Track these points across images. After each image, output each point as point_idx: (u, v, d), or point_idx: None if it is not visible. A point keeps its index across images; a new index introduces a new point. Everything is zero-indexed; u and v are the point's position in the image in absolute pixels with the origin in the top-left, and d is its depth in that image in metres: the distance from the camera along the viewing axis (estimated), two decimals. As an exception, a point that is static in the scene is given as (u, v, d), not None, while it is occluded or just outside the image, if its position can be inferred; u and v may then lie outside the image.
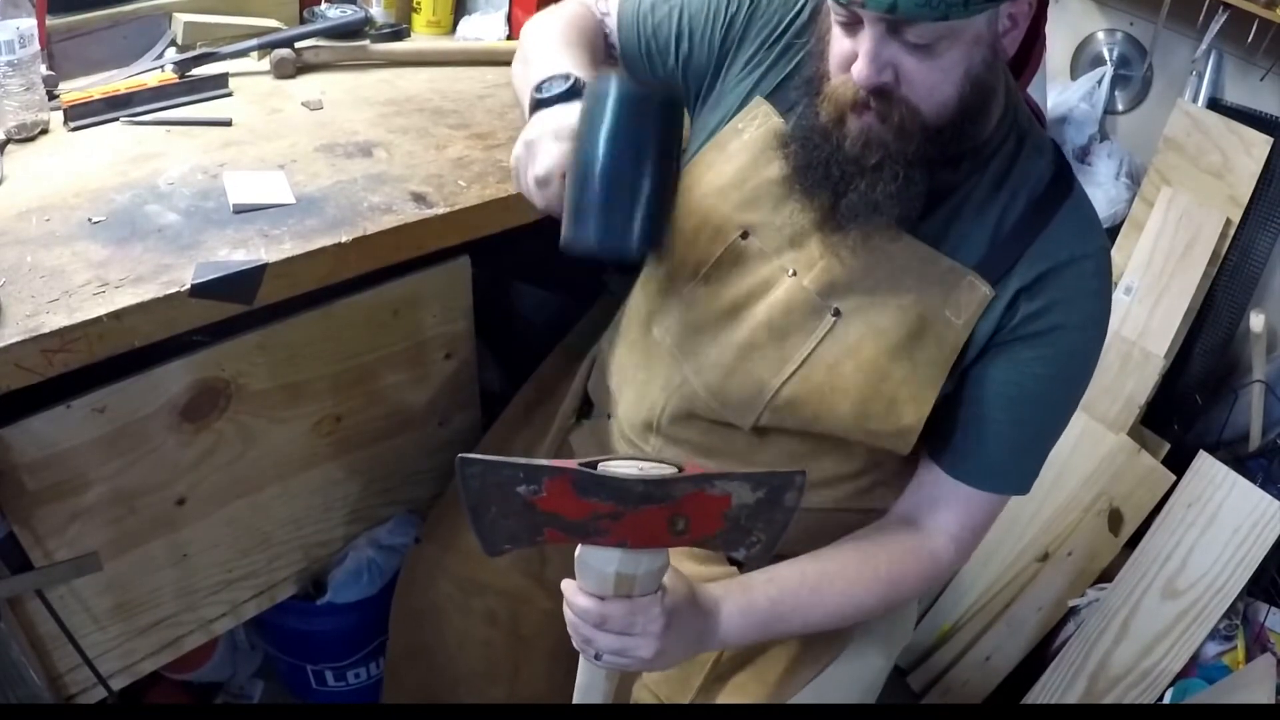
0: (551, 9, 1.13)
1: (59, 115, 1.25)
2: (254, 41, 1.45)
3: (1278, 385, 1.84)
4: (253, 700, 1.78)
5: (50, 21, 1.33)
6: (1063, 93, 2.07)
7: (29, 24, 1.19)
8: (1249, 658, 1.67)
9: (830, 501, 1.06)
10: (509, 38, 1.70)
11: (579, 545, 0.81)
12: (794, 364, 0.97)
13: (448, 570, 1.29)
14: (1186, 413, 1.94)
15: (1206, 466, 1.74)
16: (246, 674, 1.78)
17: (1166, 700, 1.68)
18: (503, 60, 1.59)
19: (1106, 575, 1.84)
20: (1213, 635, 1.69)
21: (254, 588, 1.35)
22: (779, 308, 0.97)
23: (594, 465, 0.77)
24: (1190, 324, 1.89)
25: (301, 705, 1.73)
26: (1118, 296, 1.85)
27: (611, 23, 1.12)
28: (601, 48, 1.11)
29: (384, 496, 1.45)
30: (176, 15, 1.45)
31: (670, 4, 1.07)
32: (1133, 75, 2.03)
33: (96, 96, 1.27)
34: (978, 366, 0.96)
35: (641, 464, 0.78)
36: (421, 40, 1.70)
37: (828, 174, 0.90)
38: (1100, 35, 2.07)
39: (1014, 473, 1.00)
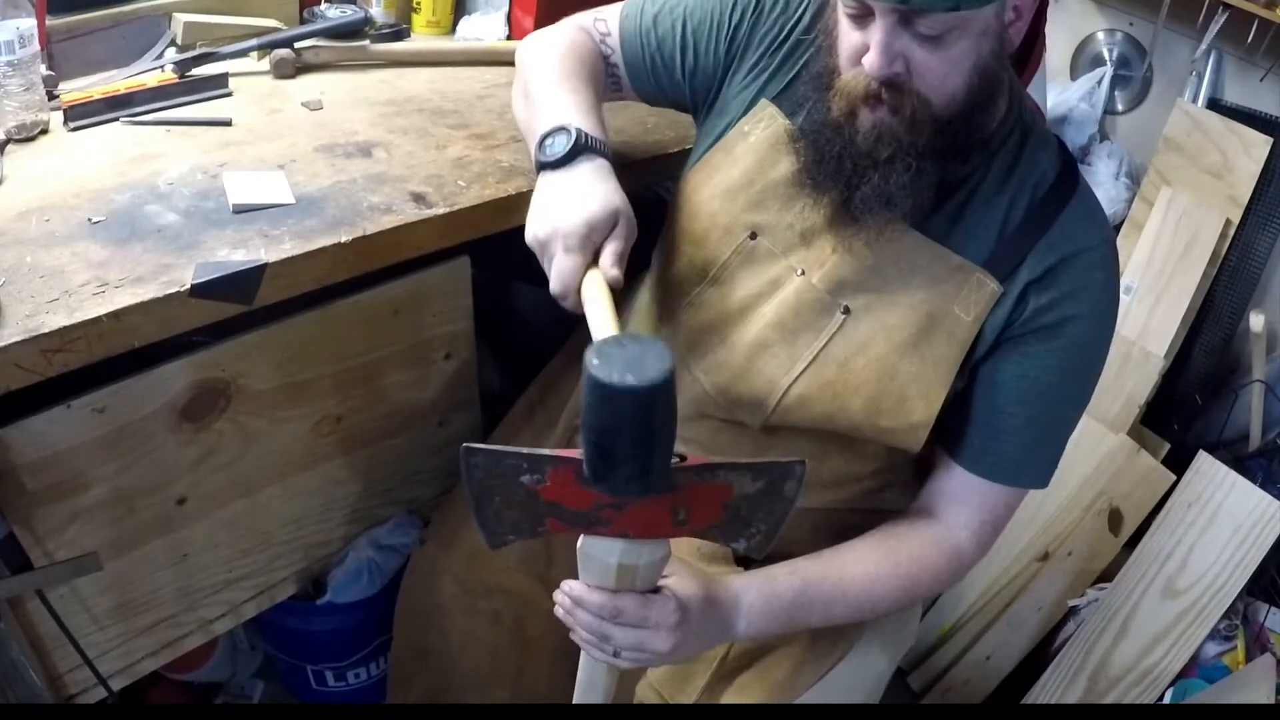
0: (550, 32, 1.12)
1: (59, 115, 1.25)
2: (254, 41, 1.44)
3: (1278, 385, 1.85)
4: (253, 700, 1.78)
5: (50, 21, 1.33)
6: (1063, 93, 2.07)
7: (29, 24, 1.18)
8: (1249, 658, 1.67)
9: (840, 501, 1.06)
10: (509, 38, 1.69)
11: (581, 537, 0.80)
12: (804, 362, 0.97)
13: (452, 571, 1.29)
14: (1186, 412, 1.94)
15: (1206, 466, 1.74)
16: (246, 674, 1.79)
17: (1166, 700, 1.68)
18: (502, 60, 1.58)
19: (1106, 575, 1.85)
20: (1213, 635, 1.69)
21: (254, 588, 1.35)
22: (788, 307, 0.98)
23: None
24: (1190, 324, 1.89)
25: (301, 705, 1.72)
26: (1118, 295, 1.85)
27: (613, 41, 1.11)
28: (602, 74, 1.11)
29: (384, 496, 1.45)
30: (176, 15, 1.45)
31: (673, 17, 1.07)
32: (1132, 75, 2.03)
33: (96, 96, 1.26)
34: (990, 362, 0.96)
35: None
36: (421, 40, 1.70)
37: (840, 168, 0.90)
38: (1100, 35, 2.07)
39: (1031, 466, 1.00)
